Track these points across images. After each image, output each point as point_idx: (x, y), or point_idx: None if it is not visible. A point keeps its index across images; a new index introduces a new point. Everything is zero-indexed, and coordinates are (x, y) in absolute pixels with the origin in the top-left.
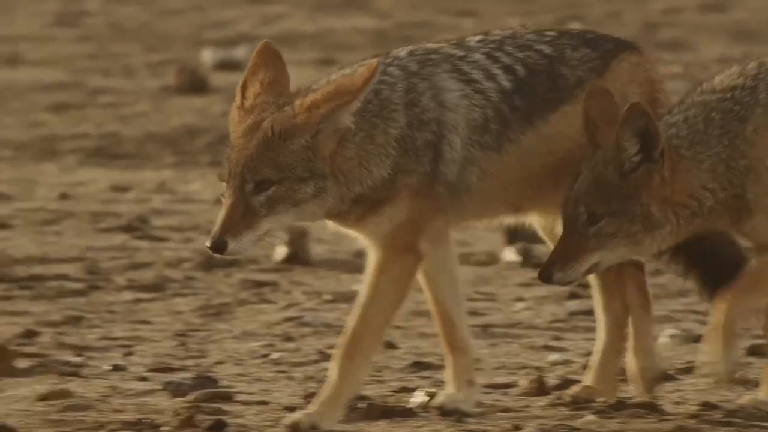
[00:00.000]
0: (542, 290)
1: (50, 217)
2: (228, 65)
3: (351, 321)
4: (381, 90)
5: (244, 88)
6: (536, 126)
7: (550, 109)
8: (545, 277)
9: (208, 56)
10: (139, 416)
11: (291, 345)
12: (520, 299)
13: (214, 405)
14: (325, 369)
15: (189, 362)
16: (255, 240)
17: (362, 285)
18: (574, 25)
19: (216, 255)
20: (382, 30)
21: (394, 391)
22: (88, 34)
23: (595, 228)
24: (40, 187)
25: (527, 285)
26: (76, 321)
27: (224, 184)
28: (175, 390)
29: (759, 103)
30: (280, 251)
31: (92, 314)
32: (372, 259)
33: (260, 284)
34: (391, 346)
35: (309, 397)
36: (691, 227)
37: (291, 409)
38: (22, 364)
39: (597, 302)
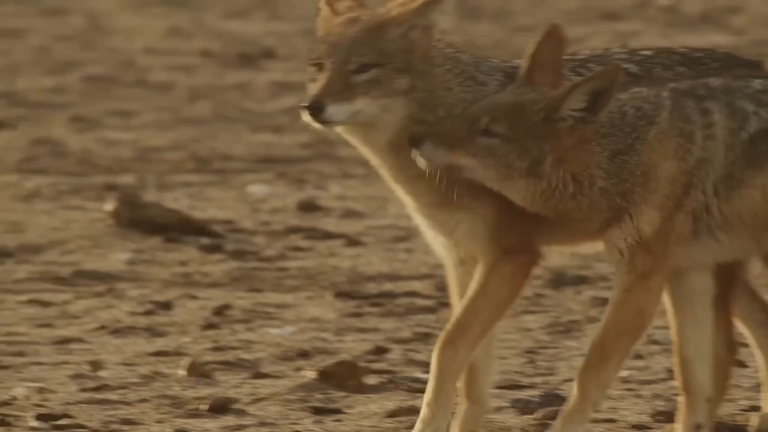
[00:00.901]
0: None
1: (401, 234)
2: None
3: (454, 313)
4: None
5: (330, 2)
6: None
7: None
8: (415, 142)
9: None
10: None
11: (640, 363)
12: None
13: None
14: (674, 387)
15: (537, 379)
16: (350, 114)
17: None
18: None
19: (311, 120)
20: (738, 47)
21: (743, 410)
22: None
23: (485, 140)
24: (391, 204)
25: None
26: (425, 338)
27: (313, 69)
28: (523, 407)
29: (665, 107)
30: None
31: (441, 331)
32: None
33: None
34: (740, 364)
35: (657, 415)
36: (561, 206)
37: (639, 427)
38: (371, 380)
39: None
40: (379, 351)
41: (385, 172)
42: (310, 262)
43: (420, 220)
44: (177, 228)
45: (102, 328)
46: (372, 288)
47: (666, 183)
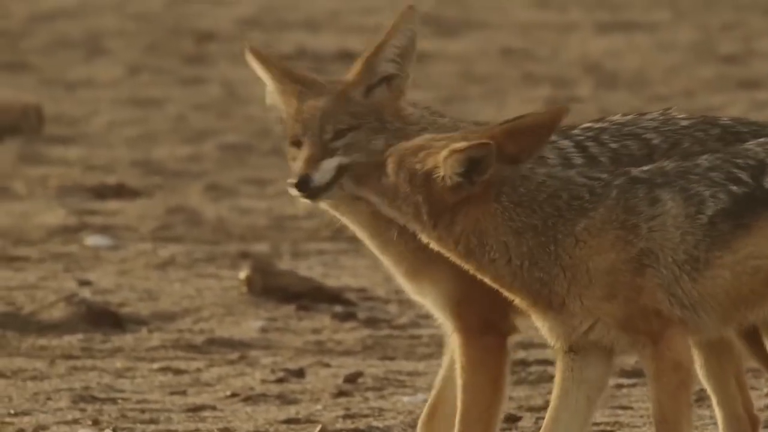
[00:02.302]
0: None
1: None
2: None
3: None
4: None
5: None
6: None
7: None
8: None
9: None
10: None
11: None
12: None
13: None
14: None
15: None
16: (333, 170)
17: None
18: None
19: (302, 197)
20: None
21: None
22: (580, 121)
23: (385, 181)
24: None
25: None
26: None
27: (292, 150)
28: None
29: (607, 199)
30: None
31: None
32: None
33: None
34: None
35: None
36: (471, 264)
37: None
38: None
39: None
40: (512, 419)
41: (366, 241)
42: (443, 330)
43: (404, 286)
44: (310, 296)
45: (234, 395)
46: None
47: (604, 275)
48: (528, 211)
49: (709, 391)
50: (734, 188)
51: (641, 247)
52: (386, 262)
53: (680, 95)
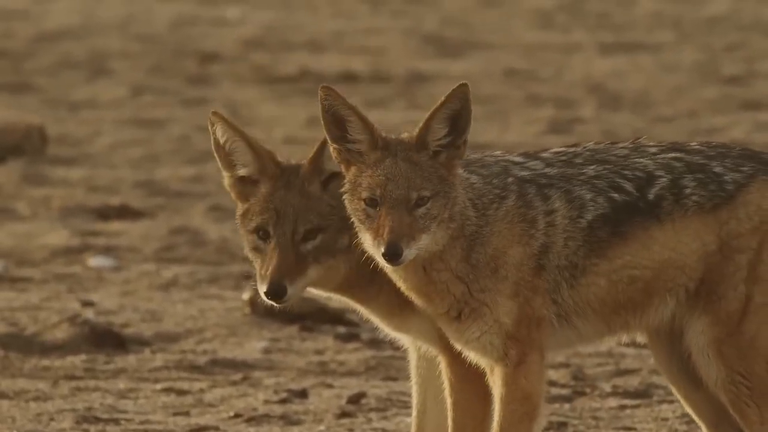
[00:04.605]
0: None
1: None
2: None
3: None
4: None
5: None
6: None
7: None
8: (393, 253)
9: None
10: None
11: None
12: None
13: None
14: None
15: None
16: (304, 286)
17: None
18: None
19: (273, 302)
20: None
21: None
22: (580, 142)
23: (422, 210)
24: None
25: None
26: (560, 427)
27: (254, 237)
28: None
29: (512, 192)
30: None
31: (577, 420)
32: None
33: None
34: None
35: None
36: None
37: None
38: None
39: None
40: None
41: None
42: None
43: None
44: (313, 317)
45: (237, 416)
46: None
47: (515, 269)
48: (476, 191)
49: (695, 418)
50: (615, 195)
51: (541, 242)
52: (364, 308)
53: (684, 116)
